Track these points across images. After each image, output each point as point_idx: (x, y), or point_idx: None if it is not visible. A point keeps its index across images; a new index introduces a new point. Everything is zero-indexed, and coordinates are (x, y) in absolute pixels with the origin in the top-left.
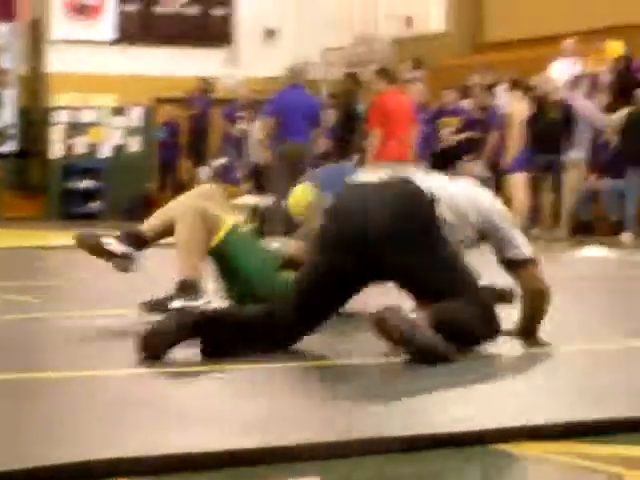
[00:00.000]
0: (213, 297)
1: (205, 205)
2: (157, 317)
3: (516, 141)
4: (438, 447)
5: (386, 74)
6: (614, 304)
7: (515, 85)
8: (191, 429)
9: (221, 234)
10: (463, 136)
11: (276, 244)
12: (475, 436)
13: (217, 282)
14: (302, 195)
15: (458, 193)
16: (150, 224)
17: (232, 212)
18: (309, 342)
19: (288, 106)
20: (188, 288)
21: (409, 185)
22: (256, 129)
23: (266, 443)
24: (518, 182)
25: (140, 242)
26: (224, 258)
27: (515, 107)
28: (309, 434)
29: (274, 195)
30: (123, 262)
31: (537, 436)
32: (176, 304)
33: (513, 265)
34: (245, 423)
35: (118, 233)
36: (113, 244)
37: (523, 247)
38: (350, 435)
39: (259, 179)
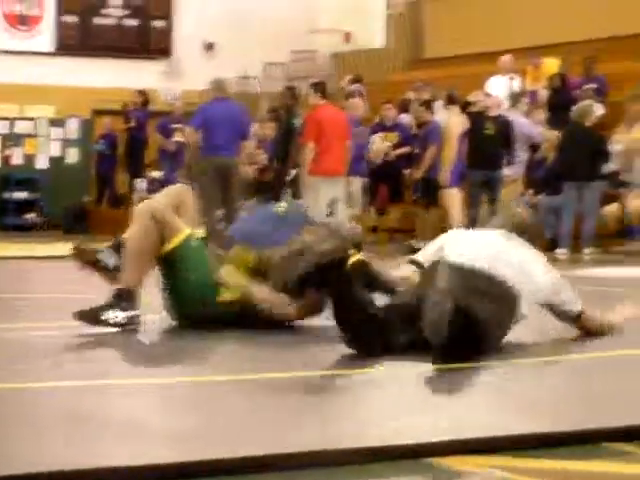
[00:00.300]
0: (147, 309)
1: (164, 209)
2: (90, 328)
3: (452, 156)
4: (372, 461)
5: (320, 88)
6: (545, 319)
7: (451, 100)
8: (121, 442)
9: (175, 241)
10: (401, 151)
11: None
12: (408, 450)
13: (160, 289)
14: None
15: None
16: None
17: (196, 217)
18: (256, 355)
19: (214, 118)
20: (124, 298)
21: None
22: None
23: (195, 457)
24: (453, 197)
25: None
26: (174, 266)
27: (451, 122)
28: (243, 447)
29: (204, 208)
30: (113, 275)
31: (469, 450)
32: (109, 314)
33: (570, 320)
34: (178, 436)
35: (109, 243)
36: (107, 259)
37: (573, 304)
38: (279, 449)
39: None
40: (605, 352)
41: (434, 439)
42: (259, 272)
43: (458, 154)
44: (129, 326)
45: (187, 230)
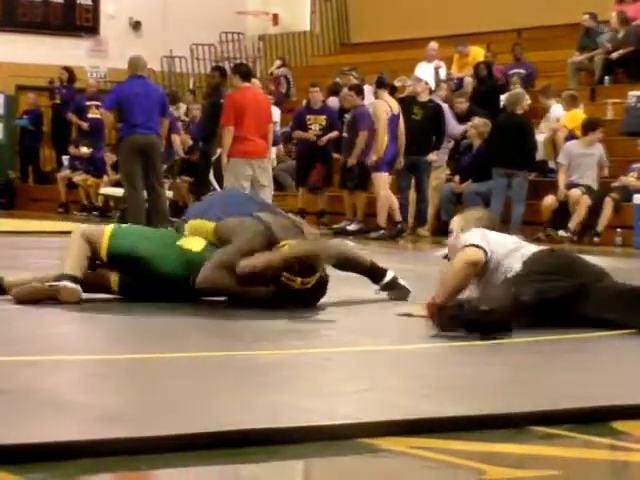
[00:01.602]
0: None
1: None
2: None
3: (381, 141)
4: (305, 441)
5: (240, 70)
6: None
7: (380, 84)
8: (51, 419)
9: (105, 239)
10: (330, 136)
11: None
12: (340, 430)
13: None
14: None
15: None
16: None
17: None
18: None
19: (130, 97)
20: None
21: None
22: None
23: (128, 433)
24: (381, 181)
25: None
26: (122, 256)
27: (379, 106)
28: (176, 426)
29: (126, 188)
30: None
31: (401, 432)
32: None
33: None
34: (110, 413)
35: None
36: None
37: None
38: (208, 428)
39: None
40: (530, 337)
41: (365, 420)
42: (220, 240)
43: (386, 138)
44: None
45: (109, 226)
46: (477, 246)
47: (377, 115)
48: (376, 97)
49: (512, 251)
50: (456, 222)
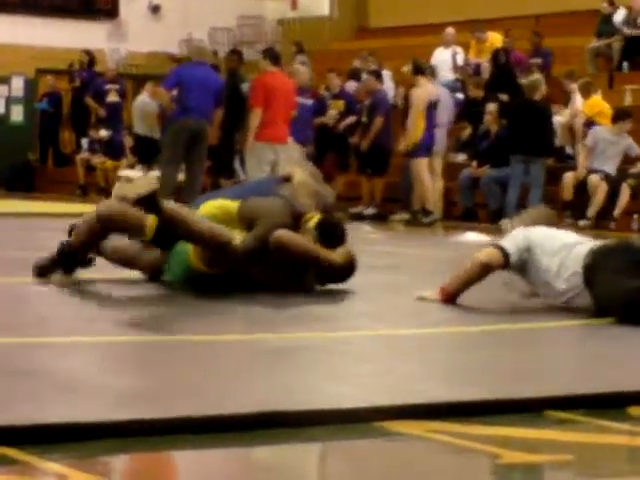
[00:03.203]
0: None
1: (120, 206)
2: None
3: (416, 126)
4: (321, 424)
5: (271, 54)
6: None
7: (417, 70)
8: (69, 400)
9: (152, 221)
10: (349, 121)
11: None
12: (356, 413)
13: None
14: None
15: None
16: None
17: None
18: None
19: (190, 80)
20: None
21: None
22: (142, 102)
23: (145, 415)
24: (421, 166)
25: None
26: (167, 238)
27: (418, 92)
28: (193, 408)
29: (163, 167)
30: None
31: (418, 415)
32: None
33: None
34: (128, 395)
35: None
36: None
37: None
38: (226, 410)
39: (142, 152)
40: (550, 322)
41: (381, 403)
42: (243, 220)
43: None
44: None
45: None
46: (502, 249)
47: (414, 102)
48: (414, 84)
49: (568, 246)
50: (508, 222)
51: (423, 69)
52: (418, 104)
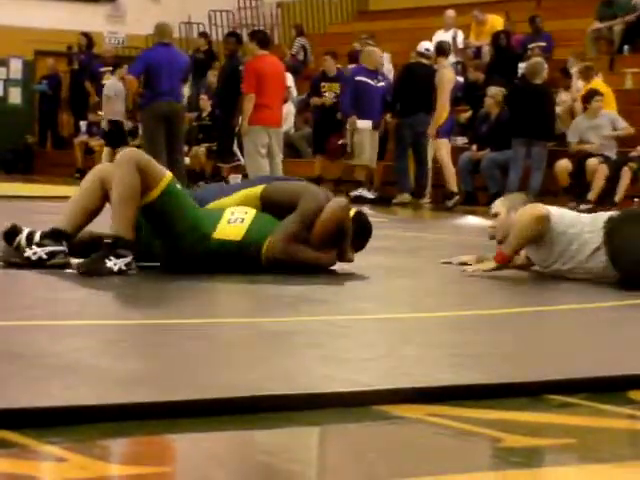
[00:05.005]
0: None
1: (147, 157)
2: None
3: (443, 109)
4: (320, 408)
5: (258, 38)
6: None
7: (440, 51)
8: (68, 383)
9: (162, 185)
10: None
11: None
12: (356, 397)
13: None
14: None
15: None
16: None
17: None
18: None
19: (158, 64)
20: (120, 246)
21: None
22: (113, 86)
23: (146, 398)
24: (444, 147)
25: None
26: (160, 213)
27: (444, 74)
28: (193, 391)
29: (151, 154)
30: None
31: (419, 399)
32: (110, 263)
33: None
34: (128, 377)
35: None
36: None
37: None
38: (225, 394)
39: (110, 137)
40: (551, 306)
41: (382, 387)
42: (268, 203)
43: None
44: (129, 272)
45: (168, 174)
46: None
47: (445, 83)
48: (436, 64)
49: (584, 217)
50: (500, 205)
51: (446, 50)
52: (448, 86)
